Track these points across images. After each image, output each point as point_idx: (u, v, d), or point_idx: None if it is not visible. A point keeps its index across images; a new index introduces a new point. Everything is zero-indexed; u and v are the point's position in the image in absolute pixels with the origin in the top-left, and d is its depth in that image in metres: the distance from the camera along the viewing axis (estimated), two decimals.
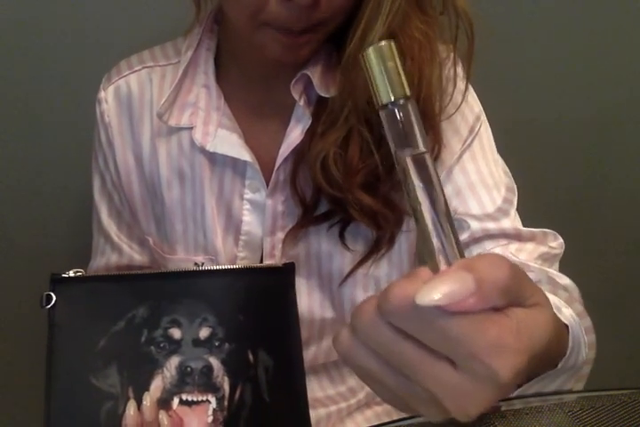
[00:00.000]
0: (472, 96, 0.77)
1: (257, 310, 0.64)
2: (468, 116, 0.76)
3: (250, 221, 0.74)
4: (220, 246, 0.75)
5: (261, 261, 0.75)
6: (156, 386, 0.62)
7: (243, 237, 0.75)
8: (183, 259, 0.76)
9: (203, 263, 0.75)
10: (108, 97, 0.76)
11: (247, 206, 0.74)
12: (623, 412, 0.66)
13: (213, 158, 0.74)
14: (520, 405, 0.67)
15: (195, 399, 0.62)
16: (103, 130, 0.77)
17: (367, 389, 0.83)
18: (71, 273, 0.65)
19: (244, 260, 0.76)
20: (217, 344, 0.63)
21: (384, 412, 0.85)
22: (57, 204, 1.09)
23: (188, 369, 0.62)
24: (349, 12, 0.63)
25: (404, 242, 0.74)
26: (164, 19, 0.95)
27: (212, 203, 0.74)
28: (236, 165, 0.74)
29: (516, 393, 0.57)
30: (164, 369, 0.63)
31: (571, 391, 0.69)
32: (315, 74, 0.68)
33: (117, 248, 0.83)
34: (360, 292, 0.75)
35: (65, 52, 0.99)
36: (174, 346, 0.63)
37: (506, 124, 1.15)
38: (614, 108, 1.18)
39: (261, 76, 0.73)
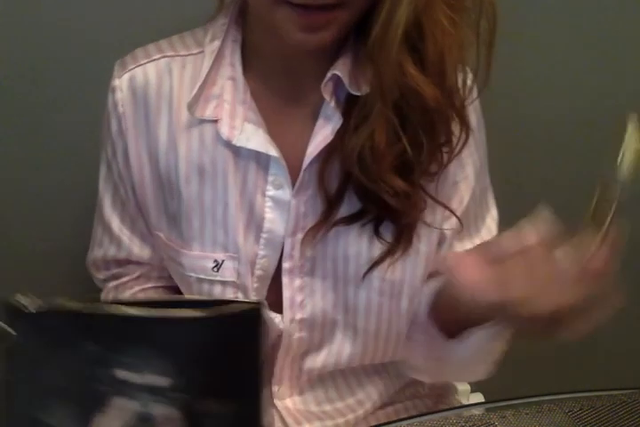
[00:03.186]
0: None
1: (213, 360, 0.61)
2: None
3: (272, 218, 0.72)
4: (241, 244, 0.73)
5: (280, 262, 0.74)
6: None
7: (264, 235, 0.73)
8: (200, 255, 0.74)
9: (223, 261, 0.73)
10: (122, 85, 0.72)
11: (269, 204, 0.72)
12: (623, 412, 0.66)
13: (238, 153, 0.71)
14: (520, 405, 0.67)
15: None
16: (115, 119, 0.73)
17: (374, 399, 0.83)
18: (24, 301, 0.60)
19: (263, 258, 0.73)
20: (166, 394, 0.60)
21: (385, 416, 0.85)
22: (58, 204, 1.09)
23: (134, 414, 0.60)
24: None
25: (424, 247, 0.74)
26: (175, 11, 0.94)
27: (235, 199, 0.72)
28: (259, 161, 0.71)
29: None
30: (113, 411, 0.60)
31: (571, 391, 0.69)
32: (345, 73, 0.67)
33: (116, 241, 0.81)
34: (375, 296, 0.74)
35: (68, 47, 0.98)
36: (124, 388, 0.60)
37: (505, 123, 1.15)
38: (614, 108, 1.18)
39: (286, 71, 0.71)
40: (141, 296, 0.82)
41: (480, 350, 0.71)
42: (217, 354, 0.61)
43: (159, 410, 0.60)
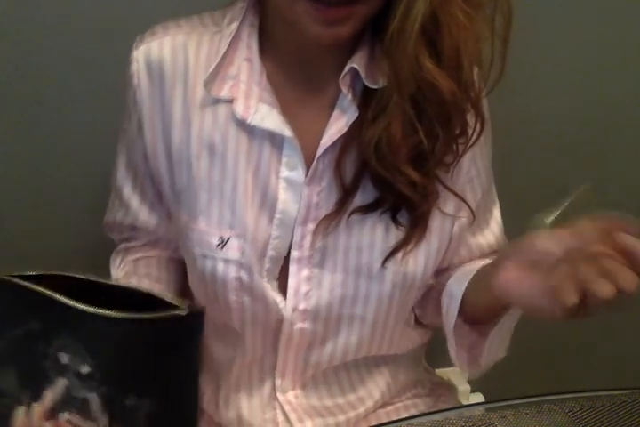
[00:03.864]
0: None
1: (145, 359, 0.62)
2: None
3: (286, 199, 0.72)
4: (250, 224, 0.73)
5: (289, 250, 0.74)
6: (48, 398, 0.63)
7: (278, 216, 0.73)
8: (206, 231, 0.74)
9: (229, 238, 0.73)
10: (139, 57, 0.73)
11: (283, 185, 0.72)
12: (623, 412, 0.66)
13: (252, 133, 0.71)
14: (520, 405, 0.67)
15: (79, 423, 0.62)
16: (131, 91, 0.75)
17: (376, 398, 0.83)
18: None
19: (277, 239, 0.73)
20: (95, 384, 0.62)
21: (386, 415, 0.85)
22: (58, 204, 1.09)
23: (71, 395, 0.62)
24: None
25: (437, 239, 0.74)
26: (178, 12, 0.94)
27: (246, 179, 0.73)
28: (273, 142, 0.72)
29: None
30: (54, 386, 0.63)
31: (571, 391, 0.69)
32: (362, 66, 0.68)
33: (125, 205, 0.82)
34: (388, 288, 0.74)
35: (69, 47, 0.98)
36: (62, 369, 0.62)
37: (506, 122, 1.15)
38: (615, 108, 1.18)
39: (302, 61, 0.71)
40: (142, 263, 0.84)
41: (507, 330, 0.73)
42: (137, 354, 0.61)
43: (83, 395, 0.62)
